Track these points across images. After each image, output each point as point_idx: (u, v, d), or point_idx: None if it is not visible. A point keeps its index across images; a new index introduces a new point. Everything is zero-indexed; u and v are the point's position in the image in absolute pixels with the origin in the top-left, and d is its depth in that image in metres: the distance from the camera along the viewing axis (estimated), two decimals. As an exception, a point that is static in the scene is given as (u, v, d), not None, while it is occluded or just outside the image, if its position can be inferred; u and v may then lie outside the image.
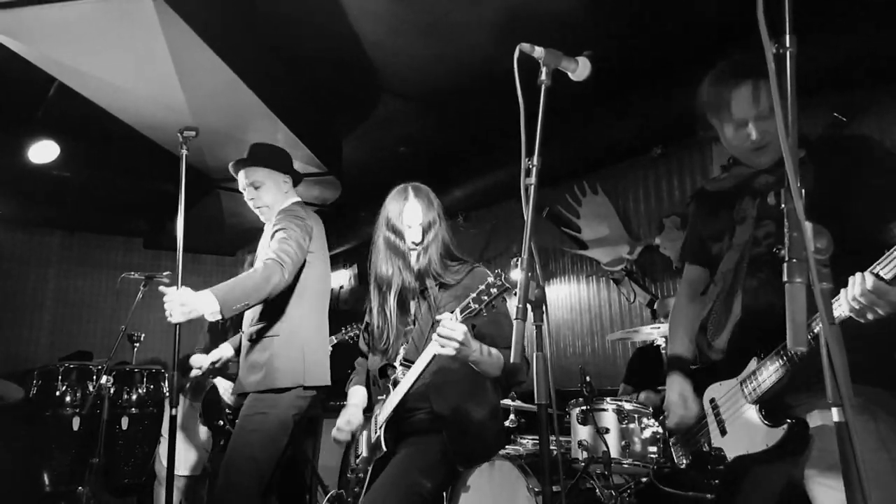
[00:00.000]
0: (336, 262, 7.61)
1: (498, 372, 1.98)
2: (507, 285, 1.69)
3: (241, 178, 2.87)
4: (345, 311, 6.75)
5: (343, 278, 7.58)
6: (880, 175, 1.47)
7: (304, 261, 2.65)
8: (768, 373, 1.47)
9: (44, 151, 4.71)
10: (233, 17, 3.56)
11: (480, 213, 5.81)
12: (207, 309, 2.27)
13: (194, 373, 2.90)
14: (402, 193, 2.22)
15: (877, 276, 1.20)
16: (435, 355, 1.89)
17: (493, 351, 1.94)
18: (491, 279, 1.74)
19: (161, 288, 2.34)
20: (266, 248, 2.71)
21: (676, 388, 1.78)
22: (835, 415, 0.86)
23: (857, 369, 1.16)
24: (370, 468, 2.14)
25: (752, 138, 1.55)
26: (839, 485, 1.35)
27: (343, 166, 5.22)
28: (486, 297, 1.74)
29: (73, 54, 3.37)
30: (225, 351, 2.91)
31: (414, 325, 2.16)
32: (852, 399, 0.85)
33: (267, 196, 2.82)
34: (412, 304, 2.18)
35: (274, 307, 2.60)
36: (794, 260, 0.85)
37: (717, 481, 1.61)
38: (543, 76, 1.49)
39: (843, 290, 1.25)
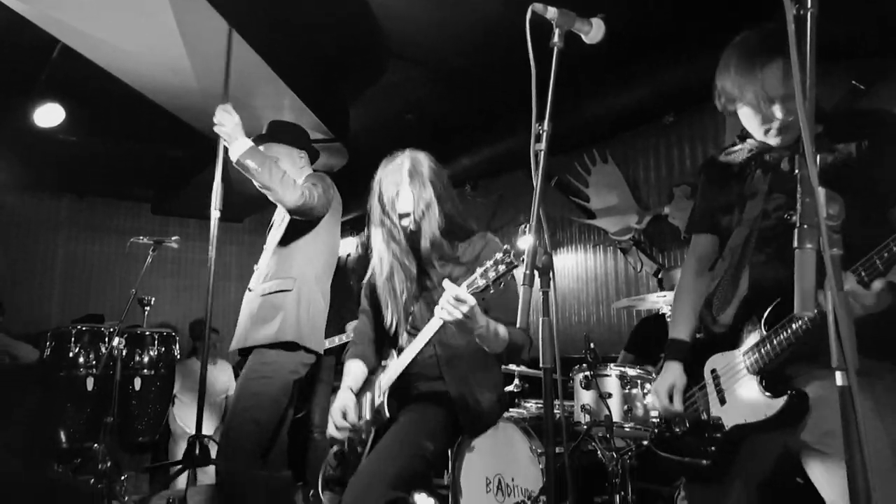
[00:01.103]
0: (343, 230, 7.60)
1: (501, 349, 1.96)
2: (516, 263, 1.63)
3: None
4: (350, 285, 6.79)
5: (350, 246, 7.59)
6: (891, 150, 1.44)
7: (321, 227, 2.73)
8: (775, 344, 1.48)
9: (49, 115, 4.70)
10: (239, -20, 3.51)
11: (488, 182, 5.77)
12: (239, 143, 2.53)
13: None
14: (397, 174, 2.10)
15: (858, 277, 1.24)
16: (442, 325, 1.85)
17: (500, 329, 1.91)
18: (499, 255, 1.69)
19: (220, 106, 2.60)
20: (276, 233, 2.79)
21: (669, 379, 1.76)
22: (839, 378, 0.87)
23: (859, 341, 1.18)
24: (373, 430, 2.16)
25: (777, 117, 1.50)
26: (832, 450, 1.39)
27: (350, 133, 5.18)
28: (493, 274, 1.69)
29: (75, 15, 3.33)
30: None
31: (420, 295, 2.15)
32: (857, 364, 0.86)
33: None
34: (419, 278, 2.15)
35: (291, 266, 2.66)
36: (806, 226, 0.85)
37: (713, 448, 1.62)
38: (556, 38, 1.46)
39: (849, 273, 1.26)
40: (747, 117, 1.58)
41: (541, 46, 1.47)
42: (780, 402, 1.47)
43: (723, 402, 1.63)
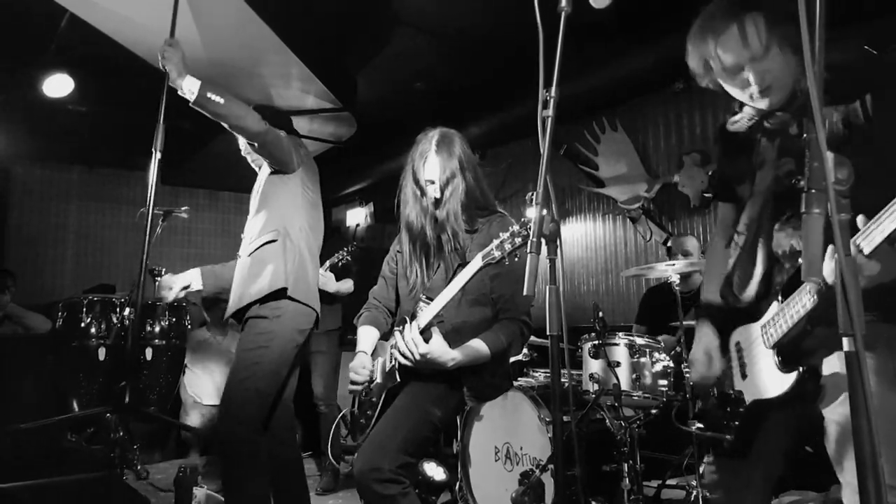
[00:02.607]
0: (352, 200, 7.62)
1: (480, 363, 2.05)
2: (532, 238, 1.66)
3: (242, 139, 2.88)
4: (363, 248, 6.81)
5: (360, 216, 7.60)
6: None
7: (300, 185, 2.73)
8: (786, 317, 1.44)
9: (58, 85, 4.69)
10: (245, -53, 3.45)
11: (497, 151, 5.73)
12: (190, 81, 2.44)
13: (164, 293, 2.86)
14: (426, 146, 2.21)
15: (857, 248, 1.17)
16: (454, 297, 2.00)
17: (468, 351, 2.02)
18: (515, 228, 1.77)
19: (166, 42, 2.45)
20: (256, 197, 2.78)
21: (704, 343, 1.73)
22: (845, 344, 0.87)
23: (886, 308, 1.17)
24: (383, 394, 2.20)
25: (753, 82, 1.45)
26: (846, 420, 1.35)
27: (358, 103, 5.14)
28: (508, 246, 1.78)
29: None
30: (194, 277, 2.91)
31: (438, 266, 2.22)
32: (864, 329, 0.86)
33: None
34: (438, 251, 2.24)
35: (274, 221, 2.65)
36: (814, 190, 0.85)
37: (736, 423, 1.60)
38: (563, 2, 1.44)
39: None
40: (728, 88, 1.55)
41: (548, 11, 1.45)
42: (791, 378, 1.43)
43: (744, 376, 1.60)
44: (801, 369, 1.42)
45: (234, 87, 4.57)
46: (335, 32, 4.51)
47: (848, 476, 1.41)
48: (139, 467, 4.21)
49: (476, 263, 1.88)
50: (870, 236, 1.09)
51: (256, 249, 2.63)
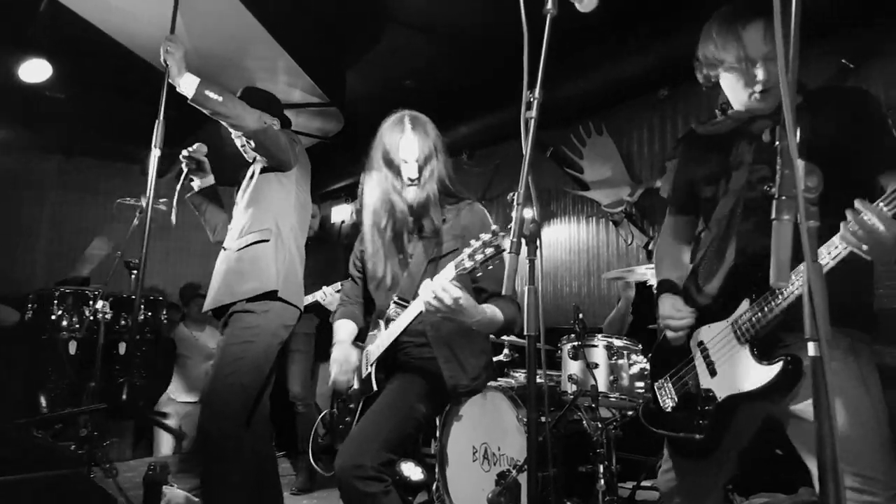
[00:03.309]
0: (338, 197, 7.58)
1: (493, 331, 2.00)
2: (504, 246, 1.61)
3: None
4: (349, 245, 6.79)
5: (345, 213, 7.57)
6: (871, 128, 1.48)
7: (291, 182, 2.72)
8: (762, 312, 1.47)
9: (35, 70, 4.59)
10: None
11: (485, 152, 5.73)
12: (189, 78, 2.46)
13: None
14: (399, 125, 2.12)
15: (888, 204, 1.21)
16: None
17: (489, 311, 1.91)
18: (487, 236, 1.69)
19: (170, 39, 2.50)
20: (248, 189, 2.77)
21: (668, 301, 1.76)
22: (811, 349, 0.88)
23: (843, 313, 1.19)
24: (361, 401, 2.18)
25: (759, 79, 1.52)
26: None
27: (346, 98, 5.12)
28: (480, 256, 1.68)
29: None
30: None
31: (409, 263, 2.14)
32: (829, 335, 0.87)
33: None
34: (408, 241, 2.16)
35: (263, 219, 2.64)
36: (784, 197, 0.86)
37: (705, 422, 1.61)
38: (549, 4, 1.44)
39: (842, 225, 1.25)
40: (730, 82, 1.60)
41: (535, 13, 1.46)
42: (776, 368, 1.45)
43: (713, 373, 1.61)
44: (785, 358, 1.44)
45: (219, 78, 4.53)
46: (325, 27, 4.49)
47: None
48: (108, 465, 4.15)
49: (449, 273, 1.77)
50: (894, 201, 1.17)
51: (247, 246, 2.62)
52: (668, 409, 1.75)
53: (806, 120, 1.42)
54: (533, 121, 1.42)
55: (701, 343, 1.67)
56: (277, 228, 2.64)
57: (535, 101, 1.42)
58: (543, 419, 2.72)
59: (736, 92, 1.60)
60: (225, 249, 2.73)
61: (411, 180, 2.09)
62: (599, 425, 2.90)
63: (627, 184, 4.76)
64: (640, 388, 2.88)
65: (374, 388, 2.09)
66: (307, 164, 2.89)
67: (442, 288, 1.71)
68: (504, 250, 1.59)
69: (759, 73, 1.52)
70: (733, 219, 1.62)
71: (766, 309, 1.47)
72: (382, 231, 2.13)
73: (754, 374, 1.49)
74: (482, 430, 3.09)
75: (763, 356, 1.49)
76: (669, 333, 1.75)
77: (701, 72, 1.67)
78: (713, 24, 1.62)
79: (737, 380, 1.54)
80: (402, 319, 2.00)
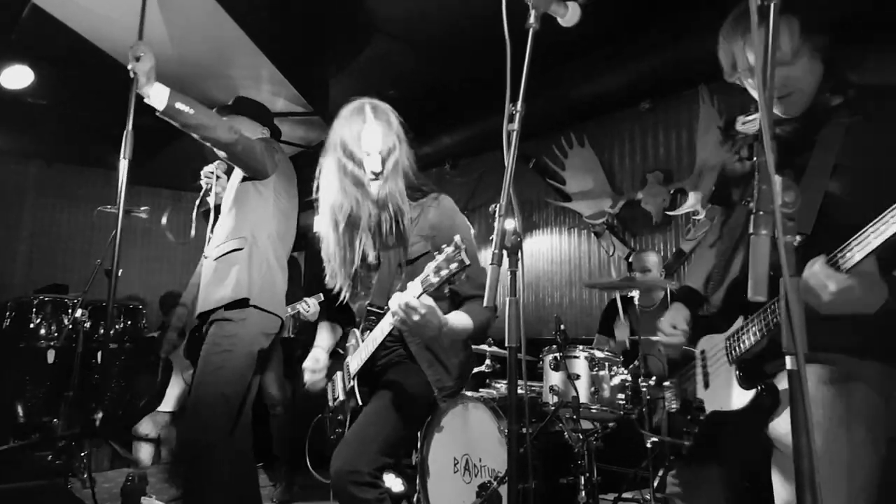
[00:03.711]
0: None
1: (464, 338, 1.94)
2: (467, 261, 1.57)
3: None
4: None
5: (326, 222, 7.53)
6: None
7: (271, 190, 2.71)
8: (749, 334, 1.45)
9: (17, 77, 4.55)
10: (217, -55, 3.42)
11: (468, 162, 5.77)
12: (158, 89, 2.32)
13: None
14: (359, 113, 1.96)
15: (833, 263, 1.17)
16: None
17: (460, 320, 1.84)
18: (450, 250, 1.59)
19: (140, 46, 2.32)
20: (228, 198, 2.77)
21: (671, 313, 1.73)
22: (788, 362, 0.89)
23: (854, 341, 1.20)
24: (349, 412, 2.15)
25: (774, 87, 1.48)
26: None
27: (330, 107, 5.12)
28: (445, 272, 1.60)
29: (47, -25, 3.24)
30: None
31: (379, 264, 2.03)
32: (805, 348, 0.88)
33: None
34: (374, 241, 2.03)
35: (243, 227, 2.64)
36: (761, 212, 0.87)
37: (696, 430, 1.61)
38: (532, 19, 1.46)
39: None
40: (750, 88, 1.54)
41: (519, 27, 1.47)
42: (751, 394, 1.44)
43: (707, 385, 1.62)
44: (759, 387, 1.42)
45: (202, 86, 4.51)
46: (308, 37, 4.49)
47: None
48: (86, 475, 4.07)
49: (415, 289, 1.67)
50: (850, 252, 1.12)
51: (223, 255, 2.63)
52: (672, 411, 1.77)
53: (844, 116, 1.38)
54: (515, 133, 1.43)
55: (703, 352, 1.66)
56: (253, 237, 2.63)
57: (518, 114, 1.43)
58: (524, 430, 2.72)
59: (756, 95, 1.51)
60: (205, 258, 2.72)
61: (375, 174, 1.93)
62: (581, 437, 2.90)
63: (609, 195, 4.81)
64: (622, 399, 2.89)
65: (360, 402, 2.05)
66: (290, 172, 2.88)
67: (407, 305, 1.63)
68: (467, 265, 1.57)
69: (775, 79, 1.47)
70: (745, 230, 1.56)
71: (750, 332, 1.44)
72: (345, 231, 2.00)
73: (735, 396, 1.49)
74: (463, 441, 3.08)
75: (744, 379, 1.47)
76: (661, 347, 1.75)
77: (727, 79, 1.59)
78: (720, 36, 1.56)
79: (721, 397, 1.54)
80: (378, 331, 1.93)
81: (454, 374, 2.08)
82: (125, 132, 2.44)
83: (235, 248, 2.60)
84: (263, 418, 4.00)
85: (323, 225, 2.06)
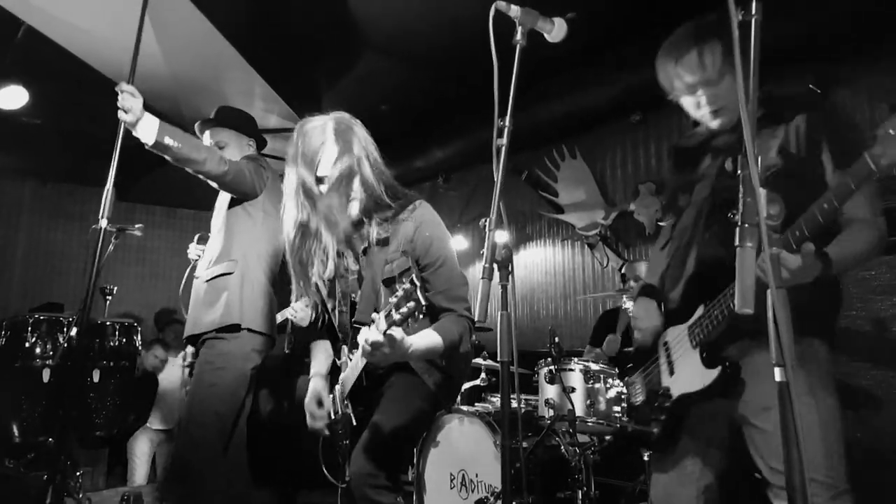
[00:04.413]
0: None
1: (436, 356, 1.89)
2: (423, 302, 1.53)
3: (206, 138, 2.90)
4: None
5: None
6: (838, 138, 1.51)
7: (260, 210, 2.72)
8: (712, 318, 1.57)
9: (12, 97, 4.57)
10: (209, -36, 3.45)
11: (461, 175, 5.78)
12: (147, 125, 2.27)
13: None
14: (319, 135, 1.92)
15: (785, 240, 1.30)
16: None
17: (426, 342, 1.79)
18: (407, 286, 1.54)
19: (123, 85, 2.27)
20: (218, 219, 2.78)
21: (641, 303, 1.87)
22: (777, 375, 0.89)
23: (800, 322, 1.24)
24: (348, 426, 2.09)
25: (703, 103, 1.64)
26: (769, 426, 1.51)
27: (322, 123, 5.13)
28: (405, 310, 1.54)
29: (41, -4, 3.26)
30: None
31: (361, 280, 1.99)
32: (794, 361, 0.89)
33: (228, 156, 2.82)
34: (350, 257, 2.00)
35: (231, 250, 2.65)
36: (747, 225, 0.88)
37: (662, 417, 1.74)
38: (519, 36, 1.49)
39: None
40: (686, 105, 1.71)
41: (507, 43, 1.49)
42: (715, 372, 1.58)
43: (672, 372, 1.74)
44: (725, 364, 1.57)
45: (195, 102, 4.54)
46: (300, 53, 4.52)
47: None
48: (81, 495, 4.03)
49: (381, 325, 1.62)
50: (800, 233, 1.27)
51: (213, 278, 2.64)
52: (637, 403, 1.89)
53: (769, 125, 1.57)
54: (504, 148, 1.44)
55: (665, 343, 1.79)
56: (244, 259, 2.65)
57: (506, 129, 1.44)
58: (522, 444, 2.71)
59: (692, 112, 1.72)
60: (196, 278, 2.74)
61: (322, 189, 1.89)
62: (577, 450, 2.89)
63: (601, 207, 4.82)
64: (618, 412, 2.88)
65: (354, 423, 2.02)
66: (278, 188, 2.85)
67: (373, 343, 1.63)
68: (423, 305, 1.53)
69: (702, 98, 1.63)
70: (696, 229, 1.72)
71: (712, 316, 1.58)
72: (300, 244, 1.95)
73: (700, 376, 1.62)
74: (459, 456, 3.06)
75: (708, 360, 1.61)
76: (636, 334, 1.88)
77: (668, 96, 1.77)
78: (657, 60, 1.74)
79: (688, 380, 1.67)
80: (354, 368, 1.96)
81: (454, 374, 2.05)
82: (105, 191, 2.33)
83: (225, 272, 2.62)
84: (273, 439, 3.96)
85: (295, 240, 1.97)
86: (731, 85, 1.59)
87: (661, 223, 4.38)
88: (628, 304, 3.13)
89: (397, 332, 1.61)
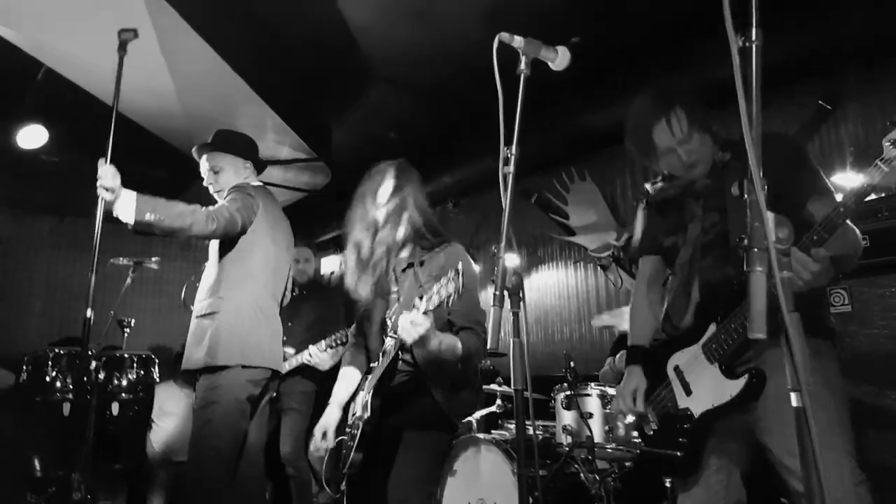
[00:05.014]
0: (326, 248, 7.61)
1: (456, 357, 2.11)
2: (460, 288, 1.84)
3: (203, 163, 2.87)
4: (337, 296, 6.76)
5: (334, 264, 7.58)
6: (789, 165, 1.69)
7: (250, 242, 2.65)
8: (731, 332, 1.67)
9: (32, 136, 4.68)
10: (221, 4, 3.54)
11: (470, 200, 5.80)
12: (124, 203, 2.26)
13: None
14: (382, 175, 2.32)
15: (802, 245, 1.43)
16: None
17: (450, 340, 2.09)
18: (452, 273, 1.87)
19: (102, 166, 2.28)
20: (212, 251, 2.73)
21: (632, 383, 1.95)
22: (793, 399, 0.88)
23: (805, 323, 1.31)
24: (360, 425, 2.23)
25: (683, 160, 1.83)
26: (786, 431, 1.53)
27: (333, 152, 5.21)
28: (444, 292, 1.88)
29: (60, 39, 3.36)
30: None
31: (399, 298, 2.27)
32: (811, 385, 0.88)
33: (225, 180, 2.81)
34: (394, 278, 2.31)
35: (220, 285, 2.58)
36: (756, 249, 0.88)
37: (684, 439, 1.76)
38: (523, 66, 1.51)
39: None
40: (665, 164, 1.92)
41: (512, 71, 1.51)
42: (741, 381, 1.64)
43: (689, 393, 1.79)
44: (749, 371, 1.64)
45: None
46: (310, 85, 4.60)
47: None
48: (102, 528, 4.03)
49: (420, 306, 1.96)
50: (817, 237, 1.40)
51: (200, 316, 2.60)
52: (650, 434, 1.92)
53: (737, 173, 1.78)
54: (511, 176, 1.45)
55: (676, 367, 1.84)
56: (232, 296, 2.56)
57: (513, 157, 1.46)
58: (540, 472, 2.68)
59: (673, 169, 1.92)
60: (192, 309, 2.70)
61: (380, 222, 2.26)
62: (597, 478, 2.84)
63: (613, 228, 4.81)
64: (637, 437, 2.84)
65: (369, 411, 2.17)
66: (275, 214, 2.80)
67: (412, 321, 1.92)
68: (460, 288, 1.84)
69: (682, 156, 1.83)
70: (694, 261, 1.88)
71: (730, 329, 1.67)
72: (358, 268, 2.29)
73: (724, 389, 1.68)
74: (477, 484, 3.02)
75: (729, 372, 1.68)
76: (613, 406, 2.01)
77: (637, 162, 1.92)
78: (628, 137, 1.95)
79: (710, 396, 1.71)
80: (389, 345, 2.18)
81: (466, 403, 2.26)
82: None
83: (211, 311, 2.55)
84: (284, 470, 3.92)
85: (357, 276, 2.32)
86: (699, 139, 1.82)
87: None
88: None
89: (430, 317, 1.93)
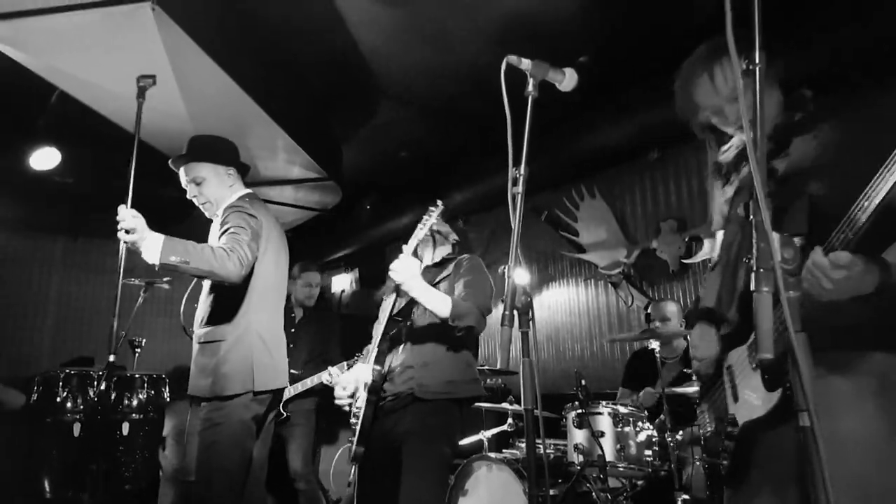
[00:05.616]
0: (337, 266, 7.64)
1: (445, 312, 2.28)
2: (439, 209, 2.32)
3: (182, 176, 2.74)
4: (347, 315, 6.77)
5: (345, 282, 7.60)
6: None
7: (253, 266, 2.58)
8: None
9: (45, 158, 4.75)
10: (231, 25, 3.60)
11: (481, 217, 5.82)
12: (150, 246, 2.22)
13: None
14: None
15: (830, 251, 1.20)
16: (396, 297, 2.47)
17: (439, 293, 2.35)
18: (431, 208, 2.30)
19: (121, 211, 2.25)
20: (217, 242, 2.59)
21: (697, 330, 1.76)
22: (802, 419, 0.88)
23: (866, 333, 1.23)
24: (365, 399, 2.44)
25: (731, 119, 1.62)
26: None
27: (344, 171, 5.25)
28: (427, 228, 2.30)
29: (73, 63, 3.42)
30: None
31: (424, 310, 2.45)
32: (815, 405, 0.87)
33: (209, 191, 2.69)
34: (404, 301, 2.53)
35: (222, 311, 2.52)
36: (762, 270, 0.88)
37: (730, 447, 1.58)
38: (530, 87, 1.53)
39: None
40: (717, 125, 1.68)
41: (520, 92, 1.54)
42: (777, 394, 1.41)
43: (736, 398, 1.59)
44: (786, 384, 1.38)
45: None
46: (321, 105, 4.66)
47: None
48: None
49: (409, 247, 2.35)
50: (843, 234, 1.16)
51: (203, 343, 2.54)
52: (707, 434, 1.74)
53: (778, 154, 1.53)
54: (520, 196, 1.47)
55: (729, 367, 1.65)
56: (235, 323, 2.50)
57: (521, 178, 1.47)
58: (552, 492, 2.66)
59: (725, 130, 1.69)
60: (191, 334, 2.66)
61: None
62: (609, 497, 2.82)
63: (623, 245, 4.80)
64: (649, 456, 2.81)
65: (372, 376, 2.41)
66: (276, 234, 2.73)
67: (399, 262, 2.26)
68: (439, 209, 2.32)
69: (730, 114, 1.61)
70: (743, 241, 1.65)
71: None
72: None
73: (762, 400, 1.47)
74: (488, 503, 3.00)
75: (769, 382, 1.45)
76: (693, 363, 1.74)
77: (692, 128, 1.75)
78: (676, 96, 1.74)
79: (751, 406, 1.52)
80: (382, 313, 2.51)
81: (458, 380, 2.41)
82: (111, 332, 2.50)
83: (215, 339, 2.50)
84: (291, 486, 3.93)
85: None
86: (766, 93, 1.56)
87: (685, 261, 4.35)
88: (655, 345, 3.08)
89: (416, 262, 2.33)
